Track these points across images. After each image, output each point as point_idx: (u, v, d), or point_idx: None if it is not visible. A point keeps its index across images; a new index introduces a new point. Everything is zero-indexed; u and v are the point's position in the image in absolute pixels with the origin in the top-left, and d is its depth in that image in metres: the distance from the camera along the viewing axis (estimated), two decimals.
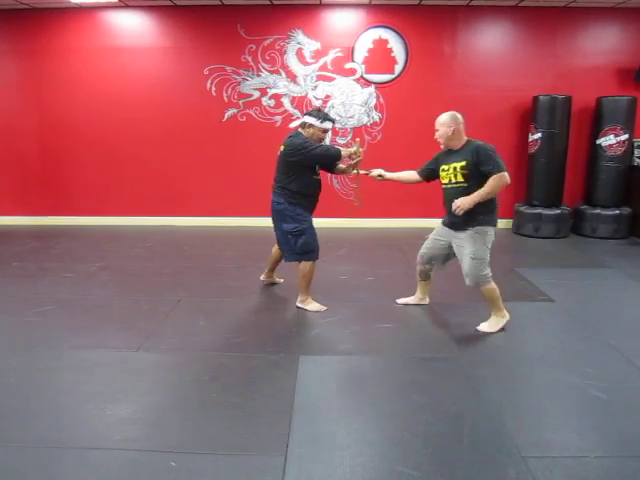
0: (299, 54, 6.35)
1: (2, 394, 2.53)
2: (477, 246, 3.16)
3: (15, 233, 6.39)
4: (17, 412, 2.37)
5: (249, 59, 6.36)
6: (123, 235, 6.25)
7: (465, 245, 3.20)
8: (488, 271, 3.21)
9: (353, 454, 2.07)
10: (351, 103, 6.49)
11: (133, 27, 6.34)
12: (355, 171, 3.66)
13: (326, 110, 6.46)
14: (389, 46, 6.30)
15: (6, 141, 6.69)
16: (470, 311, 3.67)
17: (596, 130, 6.15)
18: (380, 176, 3.60)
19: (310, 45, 6.31)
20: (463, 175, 3.12)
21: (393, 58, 6.34)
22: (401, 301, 3.83)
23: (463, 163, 3.10)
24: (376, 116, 6.52)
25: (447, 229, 3.37)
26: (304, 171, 3.52)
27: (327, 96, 6.47)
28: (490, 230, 3.19)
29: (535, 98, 6.07)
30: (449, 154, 3.23)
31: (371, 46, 6.31)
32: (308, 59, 6.36)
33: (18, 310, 3.68)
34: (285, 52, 6.34)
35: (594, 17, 6.20)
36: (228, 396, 2.52)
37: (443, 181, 3.29)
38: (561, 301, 3.89)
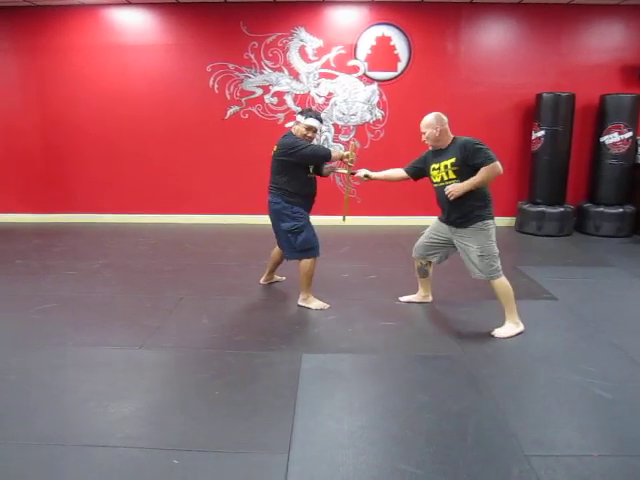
0: (302, 51, 6.33)
1: (4, 392, 2.54)
2: (482, 242, 3.15)
3: (18, 231, 6.40)
4: (19, 410, 2.37)
5: (252, 56, 6.36)
6: (126, 232, 6.26)
7: (469, 243, 3.19)
8: (498, 264, 3.19)
9: (356, 452, 2.07)
10: (354, 101, 6.48)
11: (136, 24, 6.34)
12: (345, 171, 3.63)
13: (328, 107, 6.45)
14: (392, 43, 6.29)
15: (9, 139, 6.71)
16: (472, 309, 3.68)
17: (600, 128, 6.12)
18: (366, 176, 3.58)
19: (313, 42, 6.30)
20: (454, 172, 3.12)
21: (396, 55, 6.33)
22: (404, 299, 3.83)
23: (453, 160, 3.10)
24: (379, 114, 6.51)
25: (446, 225, 3.36)
26: (297, 170, 3.52)
27: (330, 93, 6.46)
28: (490, 222, 3.18)
29: (538, 96, 6.05)
30: (437, 153, 3.23)
31: (374, 43, 6.29)
32: (311, 56, 6.35)
33: (21, 308, 3.68)
34: (288, 49, 6.33)
35: (598, 14, 6.17)
36: (231, 394, 2.52)
37: (435, 180, 3.27)
38: (564, 299, 3.88)
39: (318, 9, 6.24)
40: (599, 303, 3.89)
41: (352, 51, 6.33)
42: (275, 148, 3.54)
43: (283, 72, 6.40)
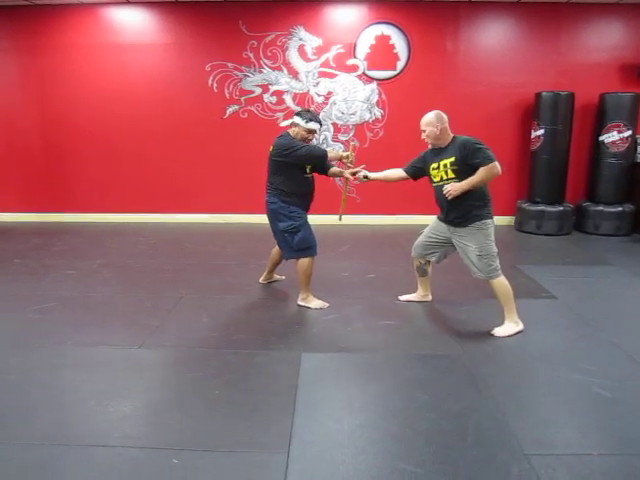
0: (301, 50, 6.33)
1: (4, 392, 2.53)
2: (481, 241, 3.15)
3: (18, 230, 6.40)
4: (19, 409, 2.37)
5: (251, 55, 6.35)
6: (125, 232, 6.26)
7: (468, 243, 3.20)
8: (497, 263, 3.19)
9: (356, 452, 2.07)
10: (353, 100, 6.48)
11: (135, 23, 6.33)
12: (348, 173, 3.60)
13: (327, 107, 6.45)
14: (391, 42, 6.28)
15: (8, 138, 6.70)
16: (472, 308, 3.68)
17: (599, 127, 6.12)
18: (365, 177, 3.57)
19: (312, 41, 6.29)
20: (454, 171, 3.11)
21: (395, 54, 6.32)
22: (403, 298, 3.83)
23: (452, 159, 3.10)
24: (378, 113, 6.50)
25: (445, 225, 3.36)
26: (293, 170, 3.52)
27: (329, 93, 6.46)
28: (489, 222, 3.18)
29: (538, 95, 6.05)
30: (437, 152, 3.23)
31: (373, 42, 6.29)
32: (310, 55, 6.34)
33: (20, 307, 3.68)
34: (287, 48, 6.33)
35: (597, 13, 6.17)
36: (230, 393, 2.52)
37: (434, 179, 3.26)
38: (564, 298, 3.88)
39: (317, 8, 6.23)
40: (598, 302, 3.89)
41: (351, 50, 6.33)
42: (271, 148, 3.54)
43: (282, 71, 6.40)
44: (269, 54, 6.35)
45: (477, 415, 2.33)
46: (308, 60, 6.36)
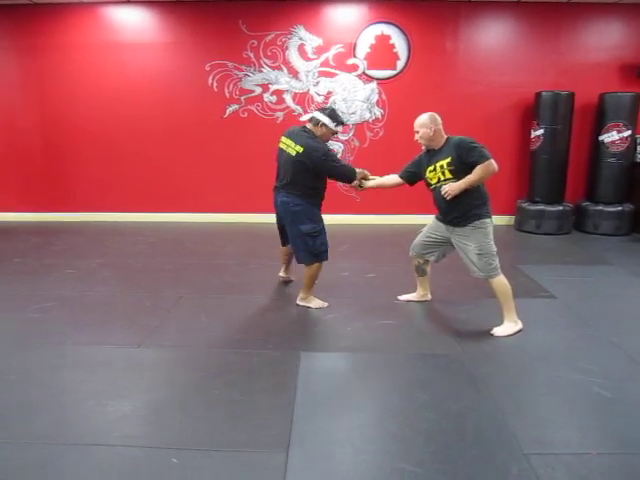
0: (301, 50, 6.33)
1: (4, 391, 2.53)
2: (480, 240, 3.15)
3: (17, 229, 6.39)
4: (18, 409, 2.37)
5: (251, 55, 6.35)
6: (125, 231, 6.26)
7: (467, 242, 3.20)
8: (497, 262, 3.19)
9: (355, 451, 2.07)
10: (353, 99, 6.47)
11: (134, 23, 6.33)
12: (359, 186, 3.61)
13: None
14: (391, 42, 6.28)
15: (8, 137, 6.70)
16: (471, 308, 3.68)
17: (599, 126, 6.12)
18: (360, 186, 3.58)
19: (312, 41, 6.29)
20: (450, 171, 3.11)
21: (395, 54, 6.32)
22: (403, 297, 3.83)
23: (448, 159, 3.09)
24: (378, 112, 6.50)
25: (444, 225, 3.36)
26: (322, 174, 3.49)
27: (329, 92, 6.46)
28: (487, 221, 3.19)
29: (538, 94, 6.05)
30: (432, 155, 3.22)
31: (373, 42, 6.29)
32: (310, 55, 6.34)
33: (20, 307, 3.68)
34: (287, 48, 6.32)
35: (597, 13, 6.17)
36: (230, 392, 2.52)
37: (432, 182, 3.25)
38: (563, 298, 3.88)
39: (317, 7, 6.23)
40: (598, 301, 3.90)
41: (351, 49, 6.33)
42: (300, 149, 3.36)
43: (282, 71, 6.39)
44: (269, 53, 6.34)
45: (476, 415, 2.33)
46: (308, 59, 6.36)
